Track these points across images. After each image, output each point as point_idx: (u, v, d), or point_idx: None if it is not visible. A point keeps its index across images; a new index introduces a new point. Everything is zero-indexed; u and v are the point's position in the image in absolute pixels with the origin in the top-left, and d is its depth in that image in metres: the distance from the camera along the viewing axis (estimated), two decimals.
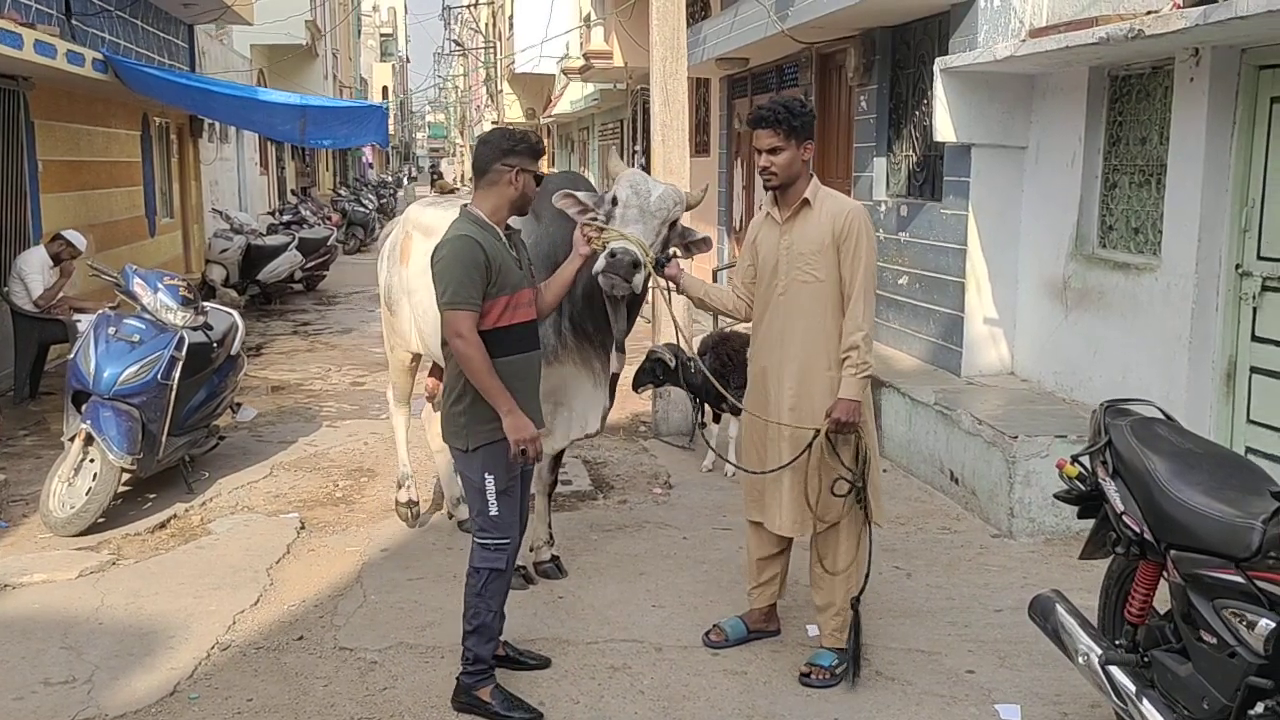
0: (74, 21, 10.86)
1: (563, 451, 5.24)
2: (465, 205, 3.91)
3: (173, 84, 11.19)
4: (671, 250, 4.34)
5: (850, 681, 4.02)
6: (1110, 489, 3.30)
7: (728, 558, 5.33)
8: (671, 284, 4.30)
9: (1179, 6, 4.93)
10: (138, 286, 6.12)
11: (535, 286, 3.98)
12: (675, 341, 6.04)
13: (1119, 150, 6.29)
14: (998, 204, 7.04)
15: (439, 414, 4.16)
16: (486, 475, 3.78)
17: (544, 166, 4.11)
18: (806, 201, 4.03)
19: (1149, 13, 5.23)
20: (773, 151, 3.99)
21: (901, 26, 8.21)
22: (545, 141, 32.46)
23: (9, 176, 9.33)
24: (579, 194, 4.33)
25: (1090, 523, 3.58)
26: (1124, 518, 3.20)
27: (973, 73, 6.65)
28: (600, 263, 4.08)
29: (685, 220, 4.57)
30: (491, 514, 3.81)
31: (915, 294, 7.84)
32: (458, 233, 3.73)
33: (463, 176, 47.59)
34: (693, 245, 4.51)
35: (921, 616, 4.69)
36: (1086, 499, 3.49)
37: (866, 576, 4.11)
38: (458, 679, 3.90)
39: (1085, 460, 3.49)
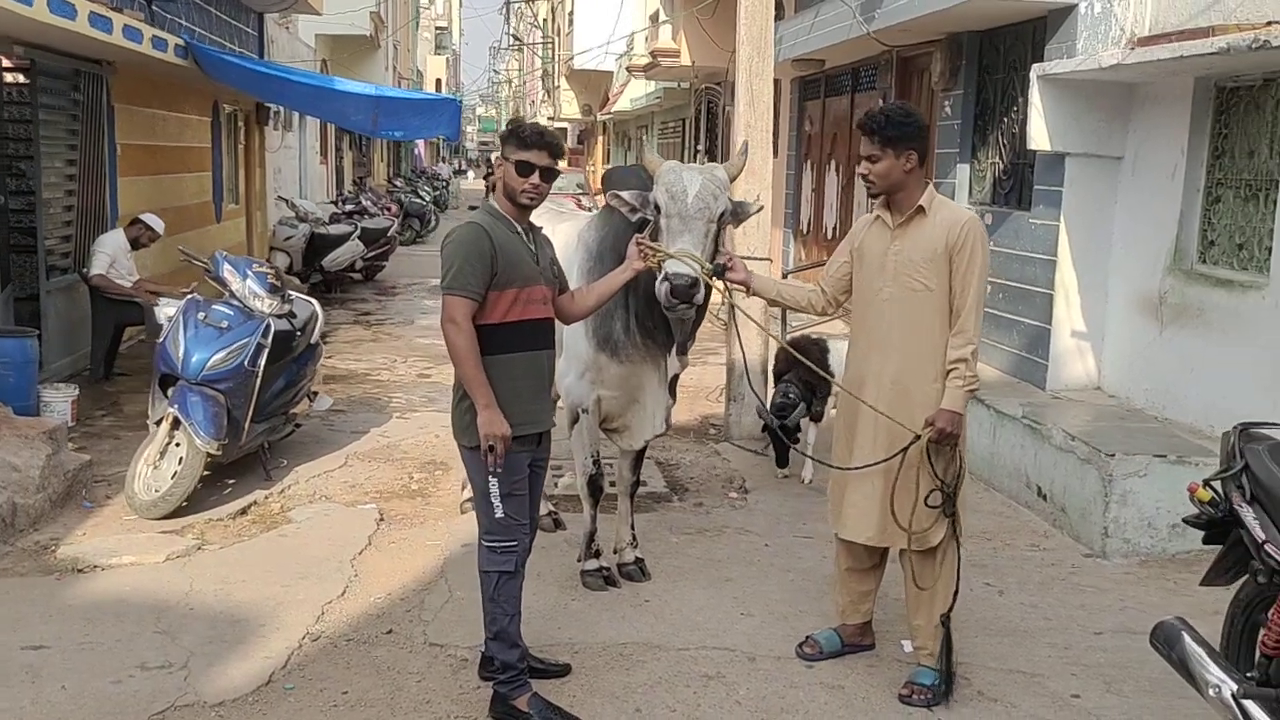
0: (154, 7, 10.95)
1: (643, 452, 5.18)
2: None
3: (250, 71, 11.24)
4: (726, 256, 4.24)
5: (945, 701, 3.94)
6: (1248, 516, 3.17)
7: (813, 567, 5.24)
8: (740, 288, 4.27)
9: None
10: (227, 273, 6.14)
11: (554, 285, 3.92)
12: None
13: (1223, 163, 6.11)
14: (1090, 215, 6.88)
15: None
16: (490, 477, 3.67)
17: (557, 160, 3.97)
18: (921, 209, 3.95)
19: (1270, 23, 5.07)
20: (870, 159, 3.95)
21: (991, 31, 8.06)
22: (601, 138, 32.40)
23: (91, 159, 9.42)
24: (624, 194, 4.33)
25: (1214, 548, 3.46)
26: (1266, 546, 3.08)
27: (1071, 80, 6.51)
28: (660, 294, 4.10)
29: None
30: (497, 516, 3.71)
31: (999, 304, 7.69)
32: (468, 220, 3.76)
33: None
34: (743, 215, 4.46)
35: (1018, 636, 4.57)
36: (1217, 525, 3.37)
37: (956, 593, 4.04)
38: (494, 688, 3.82)
39: (1217, 485, 3.37)
